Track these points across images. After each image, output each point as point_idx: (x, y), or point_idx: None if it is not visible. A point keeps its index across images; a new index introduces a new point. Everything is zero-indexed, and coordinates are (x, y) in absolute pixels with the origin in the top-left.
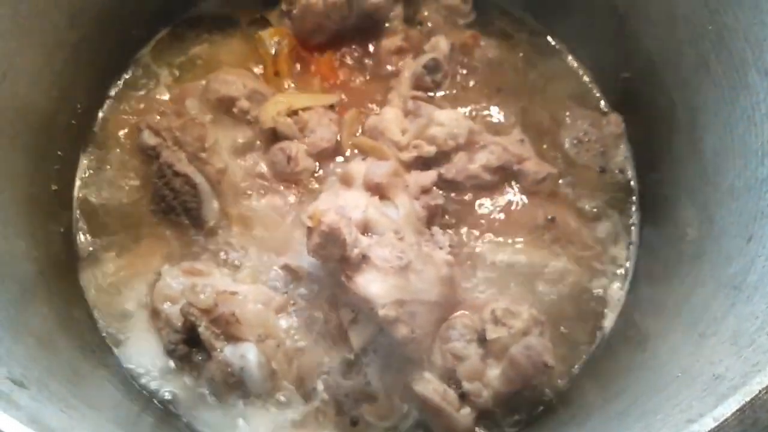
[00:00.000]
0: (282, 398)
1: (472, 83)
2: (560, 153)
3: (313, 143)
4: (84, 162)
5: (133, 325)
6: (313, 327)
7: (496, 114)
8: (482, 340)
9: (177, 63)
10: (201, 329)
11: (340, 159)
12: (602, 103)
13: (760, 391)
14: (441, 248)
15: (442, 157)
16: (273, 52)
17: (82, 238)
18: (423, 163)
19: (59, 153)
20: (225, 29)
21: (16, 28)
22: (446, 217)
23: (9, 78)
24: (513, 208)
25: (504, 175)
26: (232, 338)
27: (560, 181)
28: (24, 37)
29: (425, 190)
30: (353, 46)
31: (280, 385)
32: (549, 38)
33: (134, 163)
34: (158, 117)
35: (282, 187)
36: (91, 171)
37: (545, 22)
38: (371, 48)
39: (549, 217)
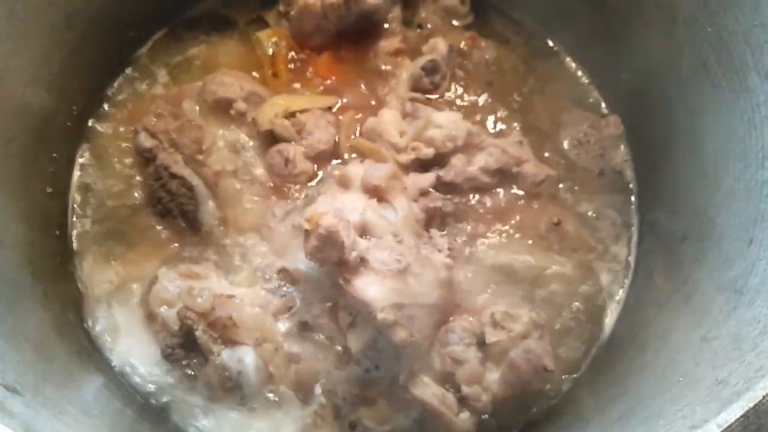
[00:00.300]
0: (280, 402)
1: (470, 85)
2: (559, 155)
3: (311, 145)
4: (80, 164)
5: (130, 329)
6: (311, 330)
7: (494, 116)
8: (481, 344)
9: (174, 63)
10: (198, 333)
11: (337, 161)
12: (602, 104)
13: (764, 397)
14: (440, 251)
15: (440, 159)
16: (270, 53)
17: (77, 241)
18: (421, 165)
19: (55, 155)
20: (222, 30)
21: (12, 29)
22: (445, 219)
23: (4, 79)
24: (512, 210)
25: (503, 177)
26: (230, 342)
27: (560, 184)
28: (19, 38)
29: (424, 193)
30: (351, 48)
31: (277, 389)
32: (548, 40)
33: (130, 165)
34: (155, 119)
35: (279, 190)
36: (87, 173)
37: (544, 23)
38: (369, 49)
39: (554, 220)
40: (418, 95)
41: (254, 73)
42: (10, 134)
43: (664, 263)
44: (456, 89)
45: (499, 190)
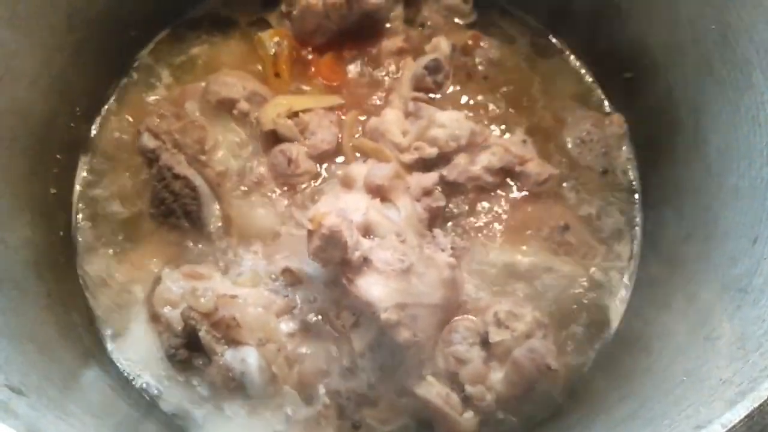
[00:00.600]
0: (283, 402)
1: (473, 84)
2: (563, 154)
3: (314, 145)
4: (83, 165)
5: (133, 330)
6: (314, 331)
7: (497, 115)
8: (485, 343)
9: (177, 63)
10: (201, 333)
11: (340, 160)
12: (605, 103)
13: None
14: (443, 250)
15: (443, 158)
16: (273, 53)
17: (81, 241)
18: (424, 164)
19: (58, 156)
20: (225, 30)
21: (14, 30)
22: (448, 219)
23: (7, 81)
24: (515, 209)
25: (506, 176)
26: (233, 342)
27: (563, 183)
28: (22, 39)
29: (427, 192)
30: (353, 47)
31: (281, 390)
32: (551, 38)
33: (134, 165)
34: (158, 119)
35: (282, 190)
36: (91, 174)
37: (547, 21)
38: (372, 49)
39: (561, 223)
40: (420, 94)
41: (257, 73)
42: (13, 135)
43: (668, 262)
44: (459, 88)
45: (502, 189)
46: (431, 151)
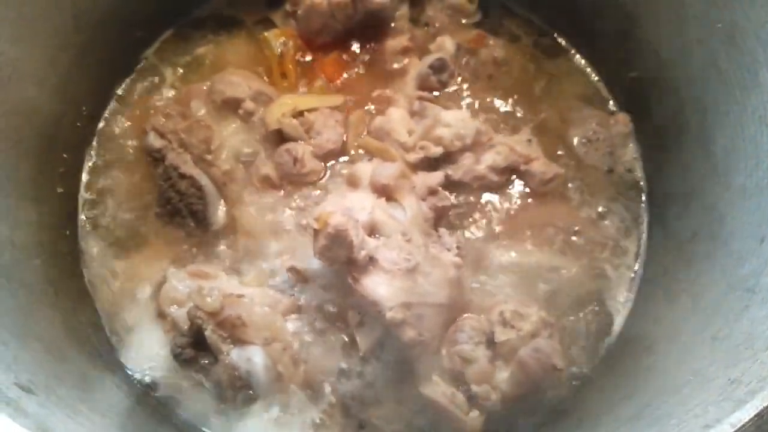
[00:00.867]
0: (289, 401)
1: (478, 83)
2: (568, 153)
3: (319, 144)
4: (89, 164)
5: (139, 329)
6: (319, 330)
7: (503, 114)
8: (490, 343)
9: (182, 63)
10: (207, 332)
11: (345, 160)
12: (610, 102)
13: None
14: (449, 250)
15: (448, 157)
16: (278, 53)
17: (87, 241)
18: (429, 164)
19: (64, 155)
20: (230, 30)
21: (21, 31)
22: (453, 218)
23: (14, 81)
24: (521, 208)
25: (511, 175)
26: (239, 341)
27: (568, 183)
28: (28, 39)
29: (432, 192)
30: (358, 47)
31: (287, 389)
32: (556, 37)
33: (140, 165)
34: (163, 119)
35: (288, 189)
36: (97, 173)
37: (552, 21)
38: (377, 48)
39: (566, 221)
40: (425, 94)
41: (262, 72)
42: (20, 135)
43: (673, 261)
44: (464, 88)
45: (507, 188)
46: (436, 151)
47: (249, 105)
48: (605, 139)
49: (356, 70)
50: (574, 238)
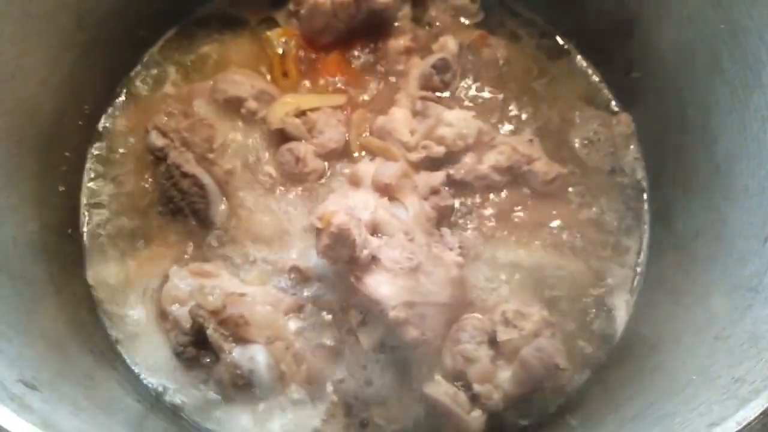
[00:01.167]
0: (291, 400)
1: (480, 83)
2: (570, 153)
3: (322, 144)
4: (91, 163)
5: (142, 327)
6: (322, 329)
7: (505, 114)
8: (493, 342)
9: (186, 62)
10: (209, 331)
11: (348, 159)
12: (612, 102)
13: None
14: (451, 249)
15: (451, 157)
16: (281, 52)
17: (89, 239)
18: (432, 163)
19: (67, 154)
20: (234, 29)
21: (25, 29)
22: (456, 217)
23: (17, 79)
24: (523, 208)
25: (513, 175)
26: (241, 340)
27: (570, 183)
28: (32, 38)
29: (434, 191)
30: (361, 46)
31: (289, 387)
32: (558, 38)
33: (142, 164)
34: (166, 118)
35: (290, 188)
36: (99, 172)
37: (554, 21)
38: (379, 48)
39: (568, 221)
40: (428, 93)
41: (264, 72)
42: (22, 134)
43: (676, 261)
44: (466, 87)
45: (509, 188)
46: (439, 150)
47: (252, 104)
48: (607, 140)
49: (359, 69)
50: (576, 237)
